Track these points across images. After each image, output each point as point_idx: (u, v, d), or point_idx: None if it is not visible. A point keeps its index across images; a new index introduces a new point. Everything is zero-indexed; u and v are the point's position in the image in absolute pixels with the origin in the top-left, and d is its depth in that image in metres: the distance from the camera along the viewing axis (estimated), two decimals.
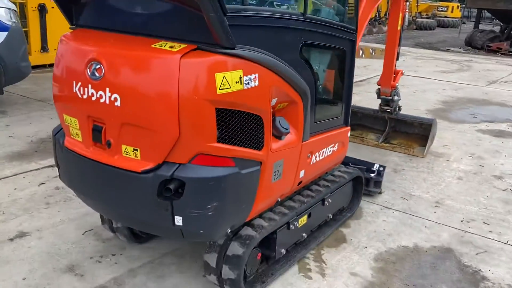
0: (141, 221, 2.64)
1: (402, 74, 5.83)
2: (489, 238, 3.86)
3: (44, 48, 9.46)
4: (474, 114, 8.02)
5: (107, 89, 2.37)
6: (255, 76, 2.44)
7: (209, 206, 2.39)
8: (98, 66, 2.39)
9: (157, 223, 2.53)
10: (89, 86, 2.43)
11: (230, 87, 2.30)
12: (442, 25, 31.73)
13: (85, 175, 2.68)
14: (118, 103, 2.35)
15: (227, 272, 2.74)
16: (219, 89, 2.27)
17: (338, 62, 3.51)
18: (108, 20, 2.63)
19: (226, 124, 2.36)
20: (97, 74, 2.40)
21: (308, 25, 2.86)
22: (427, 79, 11.03)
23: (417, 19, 29.16)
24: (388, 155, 5.73)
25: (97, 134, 2.50)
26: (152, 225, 2.62)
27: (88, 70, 2.43)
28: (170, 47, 2.29)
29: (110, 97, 2.37)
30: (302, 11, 2.82)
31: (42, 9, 9.16)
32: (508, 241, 3.84)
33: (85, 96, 2.47)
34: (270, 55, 2.54)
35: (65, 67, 2.60)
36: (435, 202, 4.48)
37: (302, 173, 3.14)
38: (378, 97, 5.88)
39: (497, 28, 20.49)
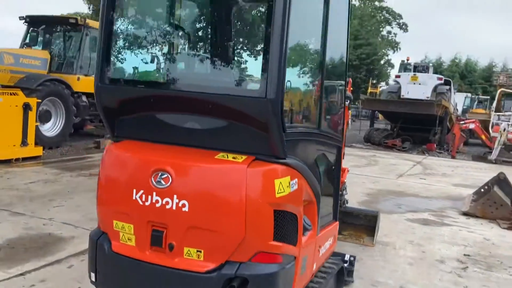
0: None
1: (348, 171, 6.58)
2: None
3: (24, 143, 10.09)
4: (398, 205, 8.99)
5: (175, 196, 2.62)
6: (296, 181, 2.85)
7: None
8: (165, 175, 2.65)
9: None
10: (154, 193, 2.67)
11: (284, 191, 2.69)
12: None
13: (137, 279, 2.79)
14: (186, 209, 2.60)
15: None
16: (277, 193, 2.64)
17: (331, 165, 4.06)
18: (161, 133, 2.93)
19: (278, 224, 2.70)
20: (163, 183, 2.65)
21: (320, 136, 3.40)
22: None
23: None
24: (343, 246, 6.24)
25: (157, 238, 2.69)
26: None
27: (153, 179, 2.68)
28: (233, 158, 2.65)
29: (177, 204, 2.61)
30: (317, 126, 3.36)
31: (26, 107, 10.05)
32: None
33: (147, 203, 2.68)
34: (301, 162, 3.00)
35: (122, 176, 2.81)
36: (401, 287, 5.00)
37: (314, 266, 3.50)
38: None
39: (388, 126, 23.21)
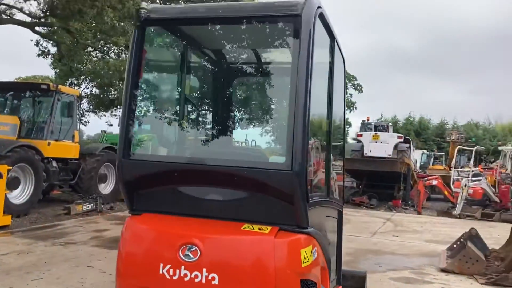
0: None
1: None
2: None
3: None
4: (378, 263, 9.10)
5: (204, 270, 2.65)
6: (316, 249, 2.95)
7: None
8: (194, 249, 2.69)
9: None
10: (182, 267, 2.69)
11: (308, 261, 2.77)
12: None
13: None
14: (216, 282, 2.63)
15: None
16: (303, 263, 2.72)
17: (335, 230, 4.18)
18: (183, 205, 2.99)
19: None
20: (192, 256, 2.69)
21: (329, 203, 3.54)
22: None
23: None
24: None
25: None
26: None
27: (180, 252, 2.71)
28: (259, 229, 2.73)
29: (207, 277, 2.64)
30: (326, 193, 3.50)
31: None
32: None
33: (175, 277, 2.69)
34: (316, 230, 3.10)
35: (147, 250, 2.82)
36: None
37: None
38: None
39: (354, 184, 23.70)
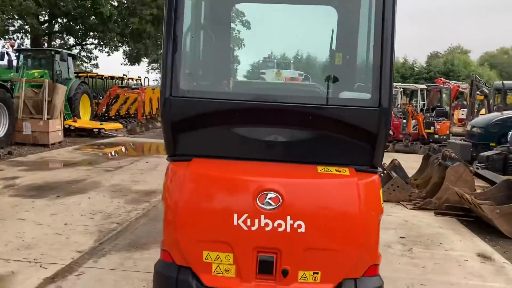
0: None
1: None
2: None
3: None
4: None
5: (288, 217, 2.42)
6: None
7: None
8: (274, 196, 2.42)
9: None
10: (262, 216, 2.42)
11: (383, 201, 2.67)
12: None
13: None
14: (302, 230, 2.42)
15: None
16: (382, 204, 2.61)
17: None
18: (238, 148, 2.66)
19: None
20: (272, 204, 2.42)
21: None
22: None
23: None
24: None
25: (266, 264, 2.45)
26: None
27: (258, 201, 2.42)
28: (337, 171, 2.54)
29: (292, 225, 2.42)
30: None
31: None
32: None
33: (254, 228, 2.42)
34: None
35: (216, 201, 2.49)
36: None
37: None
38: None
39: None
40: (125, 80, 32.20)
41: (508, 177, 8.39)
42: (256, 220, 2.42)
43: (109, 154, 15.30)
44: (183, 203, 2.50)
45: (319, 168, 2.55)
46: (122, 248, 5.83)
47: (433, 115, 21.62)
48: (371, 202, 2.54)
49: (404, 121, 19.62)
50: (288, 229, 2.41)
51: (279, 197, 2.42)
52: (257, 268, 2.45)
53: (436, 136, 18.88)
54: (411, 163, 12.03)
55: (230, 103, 2.54)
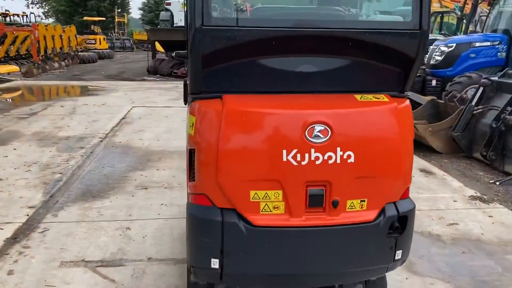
0: (354, 273, 2.64)
1: None
2: None
3: None
4: None
5: (338, 149, 2.36)
6: None
7: (412, 233, 2.71)
8: (322, 128, 2.34)
9: (377, 265, 2.63)
10: (312, 150, 2.33)
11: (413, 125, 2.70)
12: (101, 57, 32.83)
13: (292, 248, 2.46)
14: (351, 160, 2.38)
15: None
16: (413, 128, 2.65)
17: None
18: (268, 82, 2.49)
19: None
20: (321, 136, 2.34)
21: None
22: (174, 108, 11.92)
23: (80, 53, 29.39)
24: None
25: (316, 198, 2.40)
26: (367, 271, 2.67)
27: (307, 134, 2.33)
28: (375, 98, 2.51)
29: (342, 156, 2.37)
30: None
31: None
32: None
33: (304, 162, 2.34)
34: None
35: (261, 138, 2.34)
36: None
37: None
38: None
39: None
40: (10, 17, 28.75)
41: (432, 97, 8.99)
42: (306, 155, 2.32)
43: (9, 100, 13.93)
44: (226, 144, 2.31)
45: (358, 97, 2.48)
46: (77, 199, 5.44)
47: None
48: (409, 126, 2.55)
49: None
50: (338, 161, 2.36)
51: (328, 129, 2.33)
52: (307, 202, 2.39)
53: None
54: None
55: (263, 32, 2.32)
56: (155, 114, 10.97)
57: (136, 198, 5.51)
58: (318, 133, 2.34)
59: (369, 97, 2.50)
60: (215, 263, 2.47)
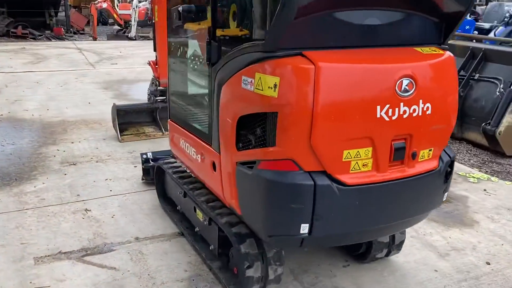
0: (418, 218, 2.79)
1: None
2: None
3: None
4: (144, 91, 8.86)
5: (420, 101, 2.42)
6: None
7: None
8: (408, 82, 2.36)
9: (433, 208, 2.80)
10: (401, 104, 2.35)
11: None
12: None
13: (378, 203, 2.47)
14: (429, 111, 2.47)
15: None
16: None
17: None
18: (346, 36, 2.41)
19: None
20: (408, 90, 2.36)
21: None
22: (39, 72, 10.52)
23: None
24: None
25: (399, 151, 2.45)
26: (425, 215, 2.82)
27: (397, 88, 2.33)
28: (433, 50, 2.61)
29: (423, 108, 2.43)
30: None
31: None
32: None
33: (394, 117, 2.35)
34: None
35: (354, 96, 2.26)
36: None
37: None
38: (157, 89, 6.03)
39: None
40: None
41: None
42: (396, 109, 2.31)
43: None
44: (322, 103, 2.17)
45: (423, 50, 2.53)
46: None
47: None
48: (456, 76, 2.70)
49: None
50: (420, 113, 2.40)
51: (413, 82, 2.35)
52: (391, 156, 2.41)
53: None
54: None
55: None
56: (22, 81, 9.55)
57: (71, 176, 4.85)
58: (406, 87, 2.36)
59: (429, 49, 2.58)
60: (304, 228, 2.38)
